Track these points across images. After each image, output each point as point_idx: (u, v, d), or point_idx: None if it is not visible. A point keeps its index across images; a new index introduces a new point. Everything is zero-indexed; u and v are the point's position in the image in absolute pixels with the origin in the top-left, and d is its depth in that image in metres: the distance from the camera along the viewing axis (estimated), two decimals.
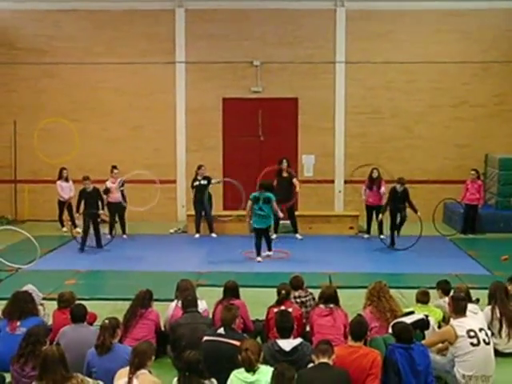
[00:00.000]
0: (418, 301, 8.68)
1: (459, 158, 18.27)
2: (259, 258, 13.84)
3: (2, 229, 14.76)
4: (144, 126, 18.55)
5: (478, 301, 9.10)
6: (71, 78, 18.46)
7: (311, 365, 6.51)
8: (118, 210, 16.14)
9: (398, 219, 15.27)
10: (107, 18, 18.40)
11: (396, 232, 15.27)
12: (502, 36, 18.22)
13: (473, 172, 16.60)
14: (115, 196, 16.00)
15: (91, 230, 14.91)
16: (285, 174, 16.11)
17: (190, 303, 8.07)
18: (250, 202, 13.90)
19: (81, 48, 18.45)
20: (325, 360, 6.32)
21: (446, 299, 8.60)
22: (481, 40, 18.24)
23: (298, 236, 16.14)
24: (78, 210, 15.00)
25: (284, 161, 16.19)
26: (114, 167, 16.17)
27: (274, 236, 15.47)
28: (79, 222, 15.46)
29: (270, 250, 14.20)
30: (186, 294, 8.25)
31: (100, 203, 14.96)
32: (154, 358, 6.48)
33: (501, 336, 8.45)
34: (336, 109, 18.45)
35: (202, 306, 8.48)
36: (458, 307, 7.74)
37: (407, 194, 14.96)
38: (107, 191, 15.66)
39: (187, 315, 7.98)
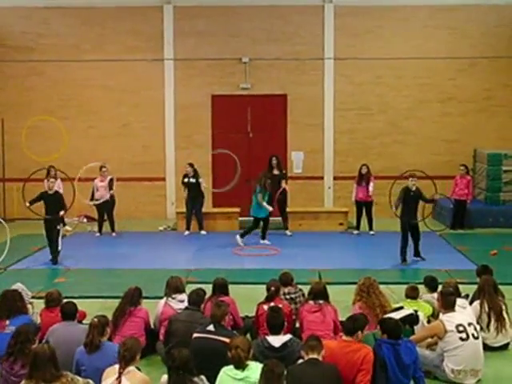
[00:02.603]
0: (407, 296, 8.69)
1: (448, 153, 18.33)
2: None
3: None
4: (132, 124, 18.51)
5: (467, 296, 9.14)
6: (59, 75, 18.40)
7: (301, 361, 6.52)
8: (106, 208, 16.12)
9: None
10: (95, 15, 18.33)
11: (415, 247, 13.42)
12: (490, 32, 18.26)
13: (462, 167, 16.66)
14: (103, 194, 15.97)
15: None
16: (275, 172, 16.08)
17: (193, 300, 8.02)
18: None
19: (68, 45, 18.38)
20: (314, 356, 6.32)
21: (435, 294, 8.64)
22: (469, 36, 18.29)
23: (287, 232, 16.15)
24: (31, 203, 13.46)
25: (273, 158, 16.20)
26: (103, 166, 16.12)
27: None
28: (69, 219, 15.27)
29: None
30: (194, 291, 8.17)
31: (61, 208, 13.45)
32: (140, 354, 6.45)
33: (489, 330, 8.46)
34: (325, 105, 18.46)
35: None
36: (447, 302, 7.78)
37: (421, 194, 13.40)
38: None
39: (187, 312, 7.94)
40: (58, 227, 13.39)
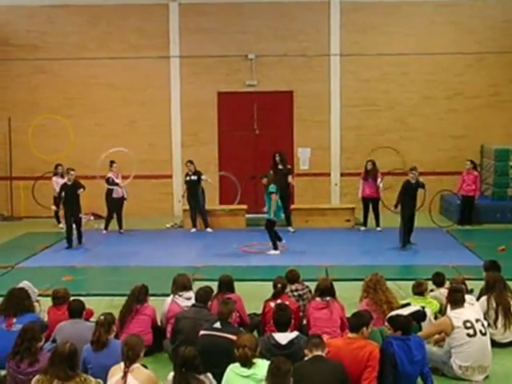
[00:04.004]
0: (413, 292, 8.67)
1: (455, 149, 18.27)
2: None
3: None
4: (138, 122, 18.51)
5: (471, 291, 9.09)
6: (65, 73, 18.43)
7: (307, 358, 6.49)
8: (117, 205, 16.01)
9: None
10: (100, 12, 18.34)
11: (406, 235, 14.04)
12: (497, 27, 18.20)
13: (468, 163, 16.60)
14: (119, 191, 15.88)
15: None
16: (280, 167, 16.08)
17: (201, 298, 7.98)
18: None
19: (74, 43, 18.39)
20: (319, 353, 6.31)
21: (442, 290, 8.60)
22: (475, 31, 18.22)
23: (290, 229, 16.10)
24: (58, 206, 15.16)
25: (277, 155, 16.21)
26: (113, 162, 16.06)
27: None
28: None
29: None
30: (201, 288, 8.14)
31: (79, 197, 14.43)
32: (144, 351, 6.44)
33: (497, 326, 8.41)
34: (331, 102, 18.43)
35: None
36: (456, 298, 7.75)
37: (420, 183, 13.95)
38: (115, 184, 15.75)
39: (194, 309, 7.92)
40: (80, 215, 14.38)
